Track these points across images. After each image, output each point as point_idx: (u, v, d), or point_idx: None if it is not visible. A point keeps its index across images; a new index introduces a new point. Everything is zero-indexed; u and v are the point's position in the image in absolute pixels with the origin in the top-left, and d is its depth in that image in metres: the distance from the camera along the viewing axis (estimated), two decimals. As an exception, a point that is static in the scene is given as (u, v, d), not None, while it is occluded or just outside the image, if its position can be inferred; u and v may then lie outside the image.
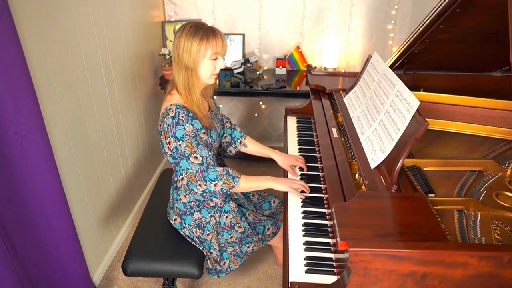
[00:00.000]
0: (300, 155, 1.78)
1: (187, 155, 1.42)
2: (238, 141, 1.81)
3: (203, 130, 1.48)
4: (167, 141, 1.43)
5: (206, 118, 1.52)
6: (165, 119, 1.43)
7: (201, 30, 1.40)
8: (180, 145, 1.41)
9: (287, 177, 1.64)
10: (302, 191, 1.51)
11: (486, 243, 1.09)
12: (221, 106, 3.17)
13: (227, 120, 1.82)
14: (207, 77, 1.48)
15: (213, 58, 1.44)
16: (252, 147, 1.84)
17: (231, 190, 1.46)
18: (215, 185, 1.44)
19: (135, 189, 2.51)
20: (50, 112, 1.56)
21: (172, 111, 1.42)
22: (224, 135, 1.80)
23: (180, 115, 1.41)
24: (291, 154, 1.75)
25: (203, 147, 1.44)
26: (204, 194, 1.47)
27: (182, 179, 1.47)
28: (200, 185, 1.44)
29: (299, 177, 1.64)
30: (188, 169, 1.43)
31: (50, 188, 1.51)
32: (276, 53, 2.97)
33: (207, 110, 1.61)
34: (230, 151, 1.83)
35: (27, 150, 1.38)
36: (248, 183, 1.51)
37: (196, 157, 1.42)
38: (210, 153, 1.46)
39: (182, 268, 1.53)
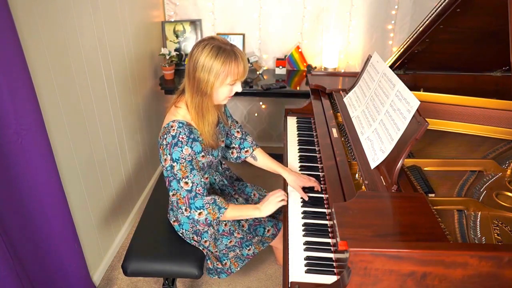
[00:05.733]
0: (300, 155, 1.78)
1: (178, 178, 1.36)
2: (244, 149, 1.71)
3: (202, 153, 1.42)
4: (164, 157, 1.37)
5: (213, 138, 1.46)
6: (165, 136, 1.36)
7: (223, 53, 1.29)
8: (174, 166, 1.35)
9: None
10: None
11: (486, 243, 1.08)
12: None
13: (238, 130, 1.72)
14: (221, 100, 1.42)
15: (231, 84, 1.36)
16: (262, 160, 1.71)
17: (215, 220, 1.42)
18: (199, 214, 1.38)
19: (135, 189, 2.51)
20: (50, 112, 1.56)
21: (174, 129, 1.35)
22: (232, 146, 1.72)
23: (181, 136, 1.34)
24: (303, 175, 1.59)
25: (197, 173, 1.38)
26: (189, 220, 1.44)
27: (173, 195, 1.40)
28: (186, 209, 1.39)
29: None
30: (178, 190, 1.37)
31: (50, 188, 1.51)
32: (276, 53, 2.96)
33: (216, 127, 1.52)
34: (232, 153, 1.73)
35: (27, 150, 1.38)
36: (235, 213, 1.45)
37: (186, 183, 1.36)
38: (202, 180, 1.40)
39: (182, 268, 1.53)
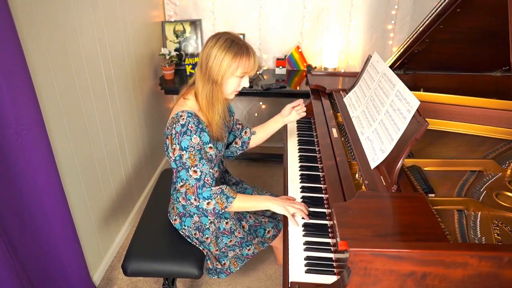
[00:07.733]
0: (300, 155, 1.78)
1: (187, 166, 1.39)
2: (244, 131, 1.79)
3: (210, 144, 1.45)
4: (173, 147, 1.41)
5: (220, 131, 1.50)
6: (174, 125, 1.40)
7: (236, 46, 1.38)
8: (182, 155, 1.39)
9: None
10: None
11: (486, 243, 1.08)
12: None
13: (240, 123, 1.80)
14: (229, 93, 1.47)
15: (240, 76, 1.43)
16: (260, 131, 1.82)
17: (223, 210, 1.43)
18: (208, 203, 1.41)
19: (135, 189, 2.51)
20: (50, 112, 1.56)
21: (183, 118, 1.39)
22: (235, 141, 1.77)
23: (190, 125, 1.38)
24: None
25: (205, 162, 1.41)
26: (198, 211, 1.46)
27: (181, 186, 1.44)
28: (195, 199, 1.42)
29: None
30: (187, 180, 1.41)
31: (50, 188, 1.51)
32: (276, 53, 2.97)
33: (223, 122, 1.57)
34: (236, 143, 1.78)
35: (27, 150, 1.38)
36: (243, 203, 1.46)
37: (195, 171, 1.39)
38: (211, 170, 1.42)
39: (182, 268, 1.53)
